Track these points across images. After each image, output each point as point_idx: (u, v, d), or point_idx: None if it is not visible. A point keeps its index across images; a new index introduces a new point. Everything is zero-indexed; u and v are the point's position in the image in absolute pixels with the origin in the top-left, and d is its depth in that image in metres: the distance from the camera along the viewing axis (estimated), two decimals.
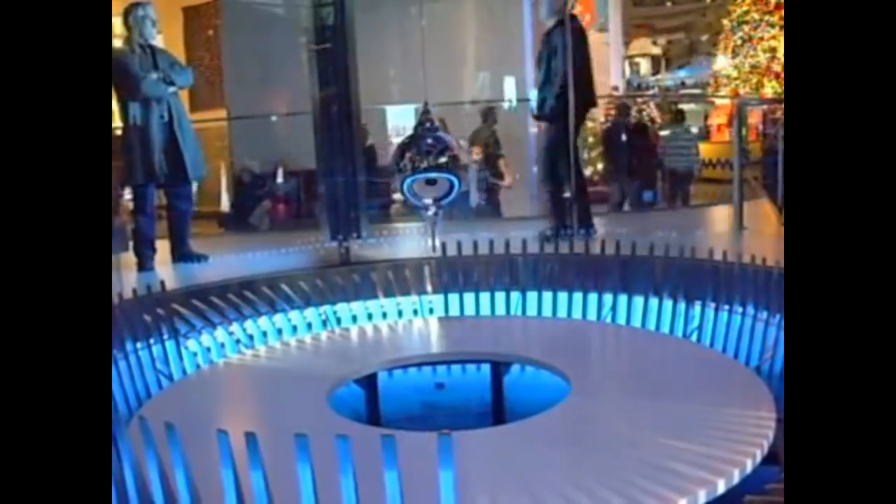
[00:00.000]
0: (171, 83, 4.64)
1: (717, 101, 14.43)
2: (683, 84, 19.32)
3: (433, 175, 3.63)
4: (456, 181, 3.66)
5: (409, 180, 3.64)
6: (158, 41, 4.94)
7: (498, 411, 3.12)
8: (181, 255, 4.81)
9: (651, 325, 3.49)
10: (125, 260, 4.65)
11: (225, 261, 4.78)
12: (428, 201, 3.73)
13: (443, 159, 3.62)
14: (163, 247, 4.82)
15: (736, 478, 1.98)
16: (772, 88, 13.71)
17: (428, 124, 3.70)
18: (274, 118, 9.23)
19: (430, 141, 3.64)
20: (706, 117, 12.52)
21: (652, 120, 10.57)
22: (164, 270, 4.53)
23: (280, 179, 9.09)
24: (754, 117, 9.10)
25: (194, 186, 5.23)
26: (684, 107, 12.61)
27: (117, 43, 4.73)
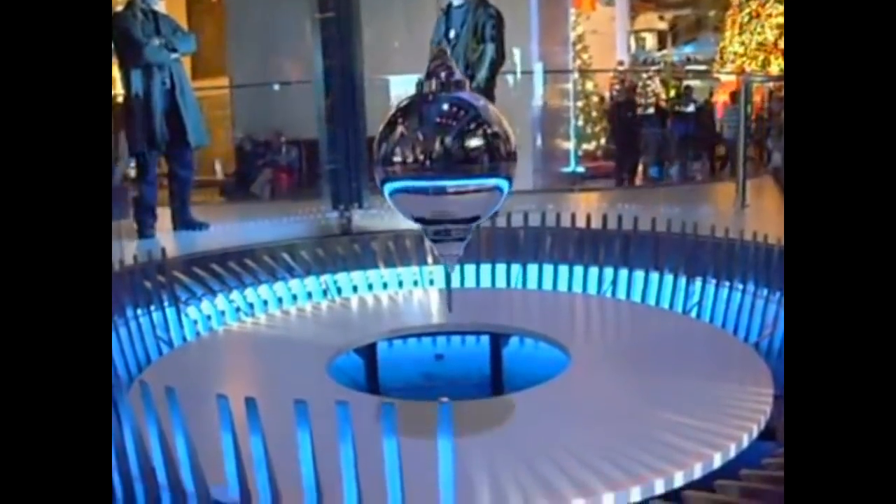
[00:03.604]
0: (174, 50, 4.60)
1: (723, 78, 14.35)
2: (689, 60, 19.17)
3: (452, 183, 1.96)
4: (505, 185, 2.02)
5: (389, 186, 2.00)
6: (161, 7, 4.89)
7: (497, 383, 3.13)
8: (182, 222, 4.81)
9: (651, 301, 3.49)
10: (126, 227, 4.65)
11: (226, 229, 4.78)
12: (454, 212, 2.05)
13: (475, 141, 1.94)
14: (163, 214, 4.81)
15: (732, 452, 2.00)
16: (778, 66, 13.61)
17: (444, 74, 2.01)
18: (277, 87, 9.18)
19: (445, 106, 1.99)
20: (711, 94, 12.45)
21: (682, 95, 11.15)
22: (165, 238, 4.53)
23: (282, 149, 9.07)
24: (758, 95, 9.07)
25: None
26: (689, 83, 12.55)
27: (119, 8, 4.69)
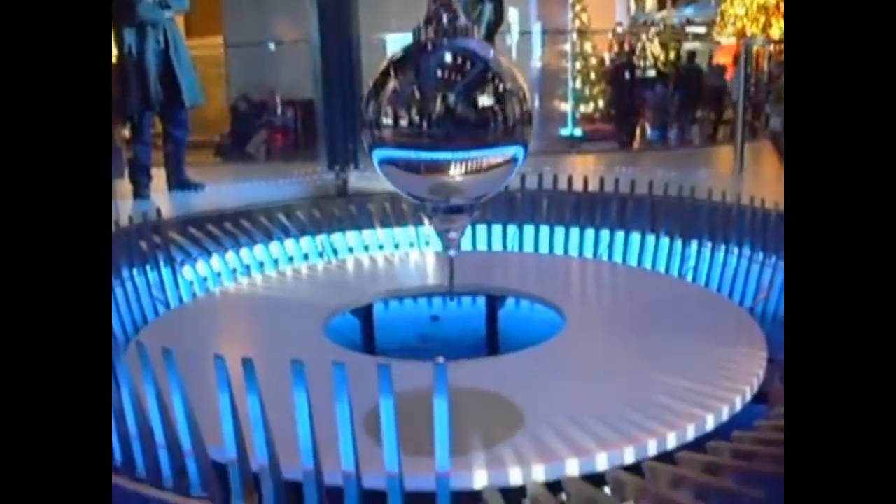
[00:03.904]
0: (167, 7, 4.54)
1: (723, 41, 14.21)
2: (689, 22, 18.97)
3: (456, 155, 1.56)
4: (521, 153, 1.61)
5: (378, 153, 1.61)
6: None
7: (492, 344, 3.15)
8: (177, 183, 4.79)
9: (647, 264, 3.49)
10: (121, 187, 4.62)
11: (221, 190, 4.76)
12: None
13: (485, 99, 1.55)
14: (158, 175, 4.79)
15: (725, 414, 2.02)
16: (780, 29, 13.48)
17: (446, 18, 1.59)
18: (272, 46, 9.08)
19: (448, 57, 1.59)
20: (710, 57, 12.35)
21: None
22: (160, 198, 4.51)
23: (278, 109, 9.01)
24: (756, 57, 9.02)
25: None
26: (689, 45, 12.46)
27: None
